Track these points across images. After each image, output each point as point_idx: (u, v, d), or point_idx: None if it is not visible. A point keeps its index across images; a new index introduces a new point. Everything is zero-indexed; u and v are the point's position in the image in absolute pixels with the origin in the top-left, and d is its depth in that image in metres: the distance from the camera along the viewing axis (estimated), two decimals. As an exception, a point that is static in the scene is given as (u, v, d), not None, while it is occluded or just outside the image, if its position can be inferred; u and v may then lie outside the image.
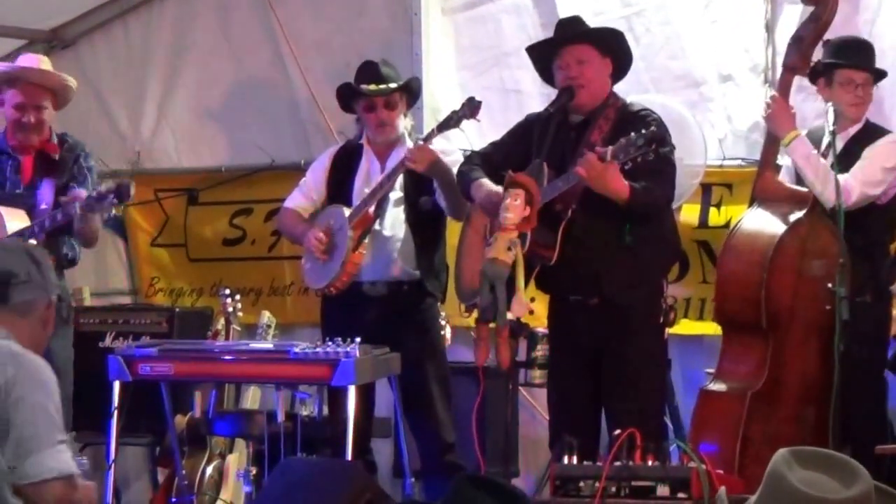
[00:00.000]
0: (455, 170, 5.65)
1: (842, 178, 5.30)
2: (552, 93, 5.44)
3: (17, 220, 5.82)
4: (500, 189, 5.14)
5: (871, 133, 5.57)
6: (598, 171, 4.90)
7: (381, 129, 5.87)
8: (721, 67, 6.53)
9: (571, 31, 5.37)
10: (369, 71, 5.87)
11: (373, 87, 5.82)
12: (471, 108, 5.65)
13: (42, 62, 6.15)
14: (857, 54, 5.58)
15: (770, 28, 6.39)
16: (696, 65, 6.57)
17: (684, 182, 5.80)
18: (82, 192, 5.78)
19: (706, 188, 6.46)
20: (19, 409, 3.45)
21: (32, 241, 5.73)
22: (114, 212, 5.67)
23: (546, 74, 5.50)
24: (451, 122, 5.68)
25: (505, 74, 6.92)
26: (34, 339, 3.75)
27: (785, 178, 5.72)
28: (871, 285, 5.45)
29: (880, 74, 5.62)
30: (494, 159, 5.46)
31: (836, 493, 2.68)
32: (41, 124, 5.99)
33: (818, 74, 5.61)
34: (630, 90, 5.69)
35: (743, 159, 6.41)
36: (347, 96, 5.95)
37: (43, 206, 5.82)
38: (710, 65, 6.55)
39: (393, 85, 5.83)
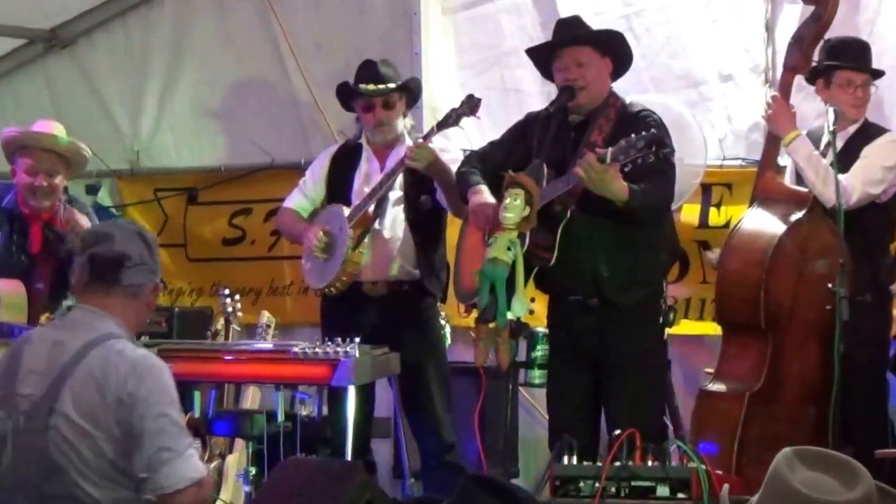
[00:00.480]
0: (454, 168, 5.64)
1: (843, 177, 5.30)
2: (553, 91, 5.43)
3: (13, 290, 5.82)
4: (492, 201, 5.17)
5: (870, 132, 5.58)
6: (598, 173, 4.89)
7: (379, 128, 5.86)
8: (721, 67, 6.53)
9: (570, 33, 5.35)
10: (368, 71, 5.86)
11: (371, 86, 5.81)
12: (470, 105, 5.65)
13: (55, 128, 6.09)
14: (855, 55, 5.58)
15: (770, 28, 6.40)
16: (696, 64, 6.57)
17: (684, 182, 5.80)
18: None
19: (706, 188, 6.46)
20: (147, 422, 3.51)
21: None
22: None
23: (547, 73, 5.48)
24: (450, 120, 5.68)
25: (505, 74, 6.92)
26: (139, 321, 3.82)
27: (788, 178, 5.72)
28: (872, 285, 5.45)
29: (878, 74, 5.62)
30: (493, 159, 5.45)
31: (838, 494, 2.67)
32: (54, 190, 5.94)
33: (817, 75, 5.61)
34: (630, 90, 5.68)
35: (743, 159, 6.41)
36: (346, 95, 5.95)
37: (39, 286, 5.81)
38: (710, 64, 6.55)
39: (391, 85, 5.82)
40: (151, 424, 3.51)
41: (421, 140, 5.71)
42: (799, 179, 5.64)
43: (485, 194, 5.31)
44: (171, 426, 3.55)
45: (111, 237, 3.70)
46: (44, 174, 5.91)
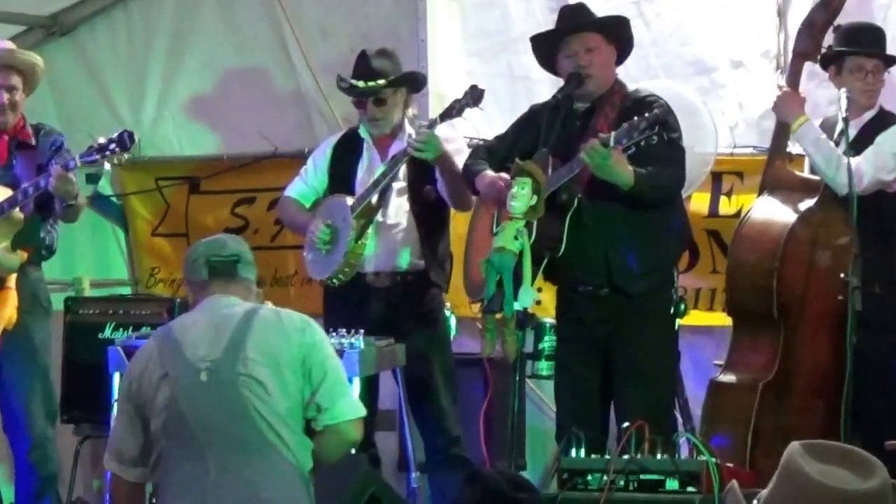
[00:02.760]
0: (458, 158, 5.60)
1: (853, 161, 5.24)
2: (561, 79, 5.37)
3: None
4: (503, 175, 5.14)
5: (886, 120, 5.53)
6: (602, 157, 4.85)
7: (373, 123, 5.82)
8: (732, 53, 6.48)
9: (581, 19, 5.33)
10: (361, 65, 5.80)
11: (361, 83, 5.74)
12: (474, 96, 5.59)
13: (6, 44, 6.07)
14: (867, 40, 5.53)
15: (782, 13, 6.36)
16: (707, 51, 6.53)
17: (694, 170, 5.75)
18: (69, 159, 5.68)
19: (716, 176, 6.41)
20: (328, 362, 4.13)
21: (18, 213, 5.66)
22: (114, 163, 5.58)
23: (546, 62, 5.43)
24: (453, 111, 5.62)
25: (513, 60, 6.85)
26: None
27: (808, 169, 5.65)
28: (885, 275, 5.39)
29: (891, 60, 5.55)
30: (500, 152, 5.42)
31: (856, 485, 2.62)
32: (14, 105, 5.88)
33: (829, 61, 5.55)
34: (640, 76, 5.66)
35: (754, 147, 6.36)
36: (342, 89, 5.90)
37: (25, 185, 5.73)
38: (721, 51, 6.51)
39: (381, 82, 5.74)
40: (330, 364, 4.12)
41: (426, 129, 5.63)
42: (811, 167, 5.59)
43: (491, 174, 5.28)
44: (341, 369, 4.22)
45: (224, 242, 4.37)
46: (4, 89, 5.84)
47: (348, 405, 4.14)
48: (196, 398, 4.00)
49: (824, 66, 5.62)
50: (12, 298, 5.75)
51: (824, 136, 5.42)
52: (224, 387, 3.99)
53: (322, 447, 4.11)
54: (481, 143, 5.90)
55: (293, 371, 4.03)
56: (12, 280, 5.76)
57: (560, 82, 5.38)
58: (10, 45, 6.10)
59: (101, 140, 5.59)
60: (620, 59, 5.37)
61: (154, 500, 4.30)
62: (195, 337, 4.09)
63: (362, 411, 4.20)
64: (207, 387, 3.99)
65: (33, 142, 5.93)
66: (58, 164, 5.61)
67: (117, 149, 5.52)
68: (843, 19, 5.55)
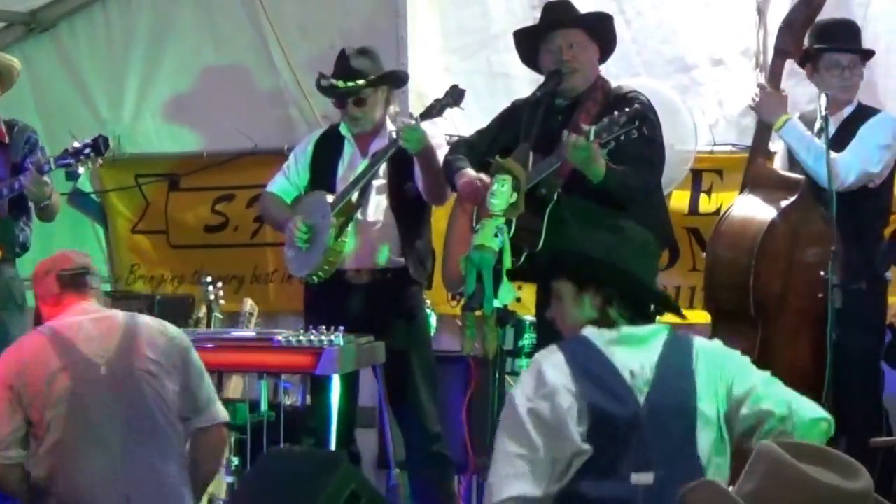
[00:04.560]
0: (438, 153, 5.59)
1: (840, 156, 5.27)
2: (540, 76, 5.38)
3: None
4: (482, 175, 5.13)
5: (865, 113, 5.55)
6: (581, 149, 4.87)
7: (354, 122, 5.80)
8: (713, 51, 6.50)
9: (564, 15, 5.33)
10: (340, 65, 5.78)
11: (341, 84, 5.72)
12: (454, 96, 5.57)
13: None
14: (842, 36, 5.54)
15: (762, 11, 6.39)
16: (687, 49, 6.55)
17: (674, 168, 5.76)
18: (43, 163, 5.65)
19: (696, 174, 6.43)
20: (201, 368, 4.56)
21: None
22: (88, 167, 5.55)
23: (529, 59, 5.43)
24: (433, 110, 5.60)
25: (493, 58, 6.86)
26: None
27: (778, 163, 5.66)
28: (866, 272, 5.39)
29: (867, 55, 5.56)
30: (480, 147, 5.42)
31: (846, 484, 2.61)
32: None
33: (805, 59, 5.56)
34: (621, 74, 5.65)
35: (734, 145, 6.39)
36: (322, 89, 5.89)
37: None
38: (701, 49, 6.53)
39: (360, 82, 5.72)
40: (202, 371, 4.55)
41: (412, 122, 5.62)
42: (790, 164, 5.60)
43: (471, 174, 5.28)
44: (209, 377, 4.62)
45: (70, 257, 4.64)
46: None
47: (220, 409, 4.60)
48: (98, 390, 4.32)
49: (801, 65, 5.63)
50: None
51: (809, 132, 5.43)
52: (124, 380, 4.34)
53: (200, 448, 4.56)
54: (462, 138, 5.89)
55: (179, 370, 4.46)
56: None
57: (540, 79, 5.38)
58: None
59: (77, 144, 5.57)
60: (604, 56, 5.37)
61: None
62: (84, 335, 4.39)
63: (226, 416, 4.65)
64: (108, 380, 4.33)
65: (6, 139, 5.90)
66: (32, 166, 5.60)
67: (92, 153, 5.50)
68: (823, 18, 5.55)
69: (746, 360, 3.71)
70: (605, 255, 3.72)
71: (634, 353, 3.60)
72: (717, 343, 3.76)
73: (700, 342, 3.70)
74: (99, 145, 5.51)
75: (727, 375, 3.61)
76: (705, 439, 3.53)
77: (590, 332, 3.65)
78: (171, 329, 4.59)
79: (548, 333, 5.41)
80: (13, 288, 5.91)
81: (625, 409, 3.51)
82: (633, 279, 3.73)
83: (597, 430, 3.47)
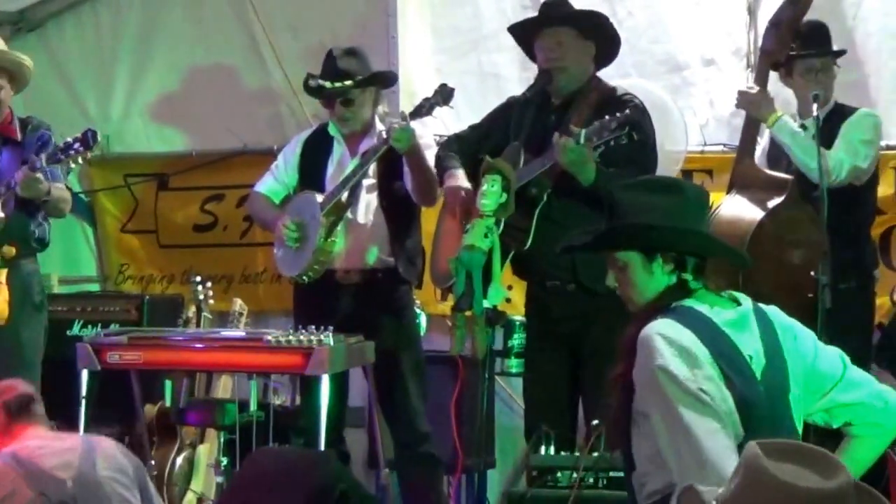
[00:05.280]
0: (427, 153, 5.58)
1: (829, 153, 5.27)
2: (531, 76, 5.41)
3: None
4: (467, 185, 5.16)
5: (844, 112, 5.57)
6: (571, 152, 4.85)
7: (342, 123, 5.79)
8: (704, 52, 6.52)
9: (553, 12, 5.32)
10: (327, 66, 5.76)
11: (328, 84, 5.72)
12: (443, 95, 5.55)
13: None
14: (811, 41, 5.55)
15: (752, 11, 6.41)
16: (678, 49, 6.56)
17: (665, 168, 5.74)
18: (37, 162, 5.64)
19: (687, 174, 6.41)
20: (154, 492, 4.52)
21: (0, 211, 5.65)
22: (79, 162, 5.54)
23: (531, 53, 5.44)
24: (422, 110, 5.58)
25: (483, 58, 6.86)
26: None
27: (759, 159, 5.66)
28: (855, 272, 5.40)
29: (838, 54, 5.57)
30: (472, 143, 5.43)
31: (821, 484, 2.60)
32: (0, 102, 5.87)
33: (777, 64, 5.57)
34: (612, 74, 5.63)
35: (724, 145, 6.40)
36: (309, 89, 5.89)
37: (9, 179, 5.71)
38: (692, 49, 6.54)
39: (348, 83, 5.70)
40: (158, 498, 4.61)
41: (401, 121, 5.61)
42: (771, 161, 5.60)
43: (460, 179, 5.29)
44: None
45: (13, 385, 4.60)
46: None
47: None
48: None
49: (774, 69, 5.63)
50: (2, 294, 5.72)
51: (801, 130, 5.44)
52: (94, 491, 4.27)
53: None
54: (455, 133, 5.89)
55: (139, 487, 4.41)
56: (3, 275, 5.73)
57: (531, 79, 5.37)
58: (2, 44, 6.04)
59: (67, 139, 5.56)
60: (605, 55, 5.34)
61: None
62: (47, 456, 4.31)
63: None
64: (77, 492, 4.24)
65: (19, 137, 5.89)
66: (24, 166, 5.59)
67: (81, 148, 5.48)
68: (816, 17, 5.56)
69: (812, 336, 3.69)
70: (664, 219, 3.59)
71: (746, 338, 3.51)
72: (780, 313, 3.68)
73: (774, 314, 3.64)
74: (87, 139, 5.49)
75: (805, 354, 3.59)
76: (797, 423, 3.52)
77: (703, 308, 3.53)
78: (128, 452, 4.59)
79: (536, 334, 5.44)
80: (31, 285, 5.88)
81: (756, 396, 3.42)
82: (700, 238, 3.66)
83: (741, 416, 3.37)
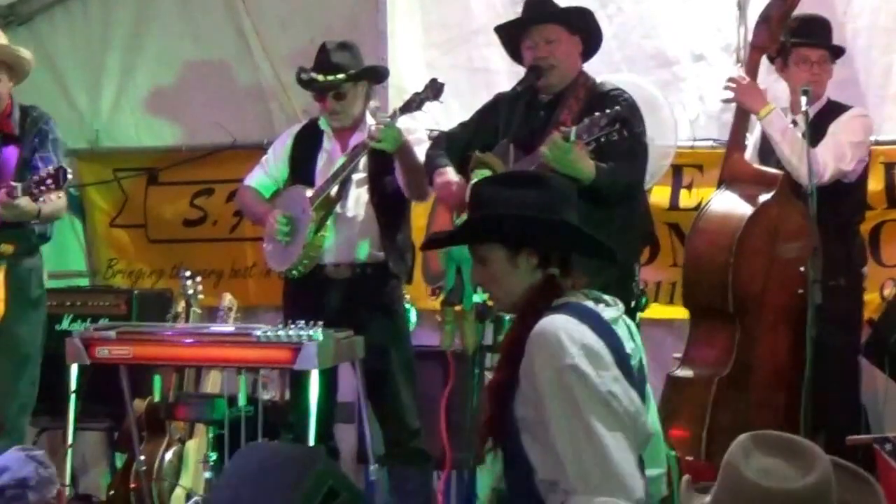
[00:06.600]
0: (419, 149, 5.58)
1: (816, 151, 5.27)
2: (521, 71, 5.39)
3: None
4: (458, 178, 5.15)
5: (835, 110, 5.57)
6: (563, 151, 4.83)
7: (333, 117, 5.79)
8: (693, 47, 6.51)
9: (540, 11, 5.30)
10: (320, 59, 5.76)
11: (321, 78, 5.71)
12: (433, 90, 5.56)
13: None
14: (812, 32, 5.55)
15: (742, 6, 6.41)
16: (668, 44, 6.55)
17: (655, 163, 5.73)
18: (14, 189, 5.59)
19: (677, 169, 6.41)
20: None
21: None
22: (51, 199, 5.49)
23: (515, 54, 5.42)
24: (412, 104, 5.59)
25: (473, 53, 6.85)
26: None
27: (749, 154, 5.67)
28: (845, 268, 5.40)
29: (838, 51, 5.57)
30: (462, 140, 5.41)
31: (793, 481, 2.60)
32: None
33: (775, 54, 5.57)
34: (602, 69, 5.63)
35: (714, 140, 6.40)
36: (301, 82, 5.87)
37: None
38: (682, 44, 6.54)
39: (340, 76, 5.70)
40: None
41: (387, 120, 5.61)
42: (762, 156, 5.61)
43: (449, 175, 5.27)
44: None
45: None
46: None
47: None
48: None
49: (771, 60, 5.64)
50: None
51: (791, 126, 5.44)
52: None
53: None
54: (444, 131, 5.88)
55: None
56: (1, 272, 5.71)
57: (521, 74, 5.36)
58: (2, 38, 6.03)
59: (41, 172, 5.48)
60: (589, 51, 5.34)
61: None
62: None
63: None
64: None
65: (17, 132, 5.85)
66: (2, 189, 5.54)
67: (52, 185, 5.40)
68: (802, 14, 5.56)
69: None
70: (525, 210, 3.44)
71: (625, 336, 3.46)
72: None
73: (629, 322, 3.56)
74: (59, 177, 5.40)
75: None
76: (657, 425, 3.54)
77: (590, 304, 3.44)
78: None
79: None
80: (30, 280, 5.83)
81: (640, 398, 3.37)
82: (572, 231, 3.52)
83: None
